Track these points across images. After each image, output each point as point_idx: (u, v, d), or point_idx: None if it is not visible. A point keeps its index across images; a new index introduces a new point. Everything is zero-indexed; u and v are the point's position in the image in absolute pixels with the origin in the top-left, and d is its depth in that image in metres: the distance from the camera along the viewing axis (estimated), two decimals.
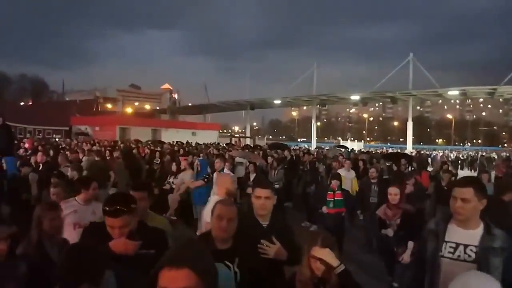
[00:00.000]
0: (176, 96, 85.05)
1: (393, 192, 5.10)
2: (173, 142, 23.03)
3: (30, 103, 70.02)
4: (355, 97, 49.55)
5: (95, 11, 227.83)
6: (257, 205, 3.03)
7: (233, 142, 28.93)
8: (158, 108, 76.04)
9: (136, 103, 78.36)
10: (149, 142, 22.78)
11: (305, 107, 74.08)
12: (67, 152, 10.76)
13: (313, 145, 46.00)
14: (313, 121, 54.89)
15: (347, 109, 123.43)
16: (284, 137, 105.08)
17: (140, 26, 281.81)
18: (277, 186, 10.86)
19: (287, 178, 11.22)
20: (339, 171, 8.99)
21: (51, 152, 11.20)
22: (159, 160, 11.40)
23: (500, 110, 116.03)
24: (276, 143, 22.34)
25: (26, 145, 15.19)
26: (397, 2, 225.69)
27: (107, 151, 11.40)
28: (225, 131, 63.60)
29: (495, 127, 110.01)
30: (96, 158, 9.60)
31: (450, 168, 11.62)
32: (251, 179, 9.26)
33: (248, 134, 54.17)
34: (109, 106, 71.38)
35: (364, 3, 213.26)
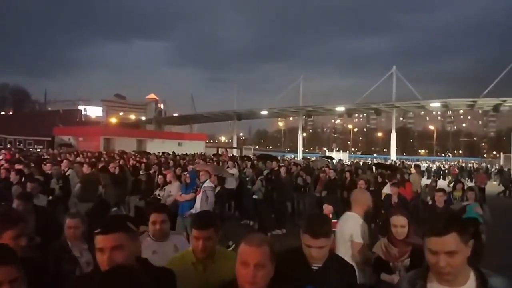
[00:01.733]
0: (162, 106, 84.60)
1: (400, 223, 3.48)
2: (159, 153, 22.83)
3: (10, 113, 68.70)
4: (340, 109, 50.12)
5: (80, 21, 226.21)
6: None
7: (220, 153, 28.87)
8: (143, 118, 75.42)
9: (121, 113, 77.62)
10: (134, 153, 22.52)
11: (291, 118, 74.48)
12: (48, 164, 10.50)
13: (300, 156, 46.19)
14: (300, 132, 55.21)
15: (333, 120, 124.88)
16: (270, 147, 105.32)
17: (128, 36, 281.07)
18: (255, 197, 10.88)
19: (272, 189, 11.12)
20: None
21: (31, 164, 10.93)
22: (145, 172, 11.27)
23: (480, 122, 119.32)
24: (264, 154, 22.36)
25: (7, 156, 14.89)
26: (381, 16, 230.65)
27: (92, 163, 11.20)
28: (212, 141, 63.36)
29: (475, 138, 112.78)
30: (86, 170, 9.31)
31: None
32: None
33: (235, 145, 54.07)
34: (93, 116, 70.55)
35: (349, 17, 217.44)
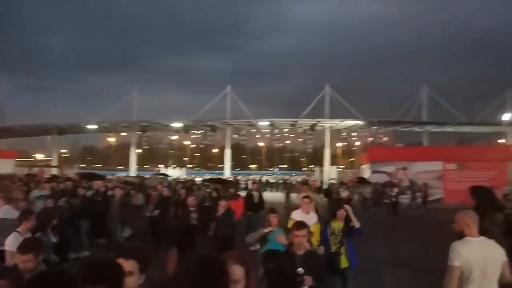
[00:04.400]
0: None
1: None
2: None
3: None
4: (177, 125, 50.14)
5: None
6: None
7: (33, 172, 24.66)
8: None
9: None
10: None
11: (124, 133, 70.61)
12: None
13: (132, 173, 43.80)
14: (132, 148, 52.55)
15: (169, 136, 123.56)
16: (100, 165, 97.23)
17: None
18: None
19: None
20: None
21: None
22: None
23: (301, 139, 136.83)
24: (88, 173, 19.90)
25: None
26: (223, 38, 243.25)
27: None
28: (25, 159, 54.31)
29: (296, 154, 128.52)
30: None
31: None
32: None
33: (55, 163, 47.79)
34: None
35: (188, 35, 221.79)
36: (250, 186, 16.62)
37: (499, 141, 50.74)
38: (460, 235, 3.50)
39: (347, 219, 5.55)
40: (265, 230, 5.67)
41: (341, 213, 5.55)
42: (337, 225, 5.56)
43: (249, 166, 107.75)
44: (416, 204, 21.16)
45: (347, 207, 5.62)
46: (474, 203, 6.59)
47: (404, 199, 22.59)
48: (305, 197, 6.61)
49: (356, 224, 5.52)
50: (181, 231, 7.39)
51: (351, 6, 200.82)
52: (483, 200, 6.71)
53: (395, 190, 19.56)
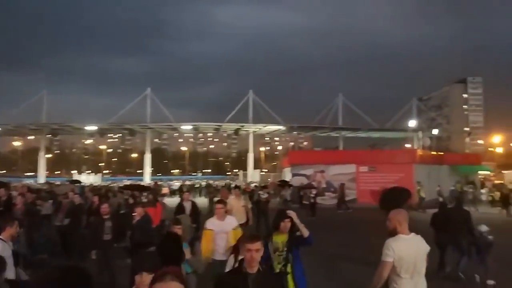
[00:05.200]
0: None
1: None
2: None
3: None
4: (92, 128, 47.39)
5: None
6: None
7: None
8: None
9: None
10: None
11: (32, 137, 64.67)
12: None
13: (41, 180, 40.20)
14: (41, 153, 48.29)
15: (83, 140, 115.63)
16: (3, 171, 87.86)
17: None
18: None
19: None
20: None
21: None
22: None
23: (225, 143, 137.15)
24: None
25: None
26: (143, 39, 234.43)
27: None
28: None
29: (221, 158, 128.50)
30: None
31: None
32: None
33: None
34: None
35: (109, 34, 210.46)
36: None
37: (406, 145, 55.76)
38: (393, 233, 3.70)
39: (292, 229, 4.52)
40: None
41: (285, 224, 4.46)
42: (280, 239, 4.48)
43: (171, 171, 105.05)
44: (344, 205, 22.22)
45: (291, 214, 4.53)
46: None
47: (328, 200, 23.79)
48: (218, 202, 6.20)
49: (305, 232, 4.45)
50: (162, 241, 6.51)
51: (275, 15, 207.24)
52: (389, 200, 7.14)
53: (314, 192, 20.49)
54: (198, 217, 9.50)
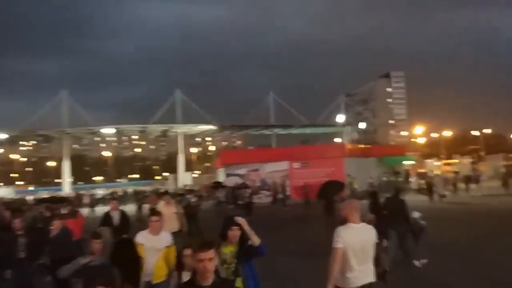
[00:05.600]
0: None
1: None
2: None
3: None
4: (1, 136, 43.23)
5: None
6: None
7: None
8: None
9: None
10: None
11: None
12: None
13: None
14: None
15: None
16: None
17: None
18: None
19: None
20: None
21: None
22: None
23: (153, 146, 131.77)
24: None
25: None
26: (56, 38, 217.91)
27: None
28: None
29: (149, 162, 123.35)
30: None
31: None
32: None
33: None
34: None
35: (21, 33, 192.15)
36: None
37: (336, 139, 57.86)
38: (344, 221, 4.02)
39: (242, 238, 4.11)
40: (84, 261, 4.23)
41: (233, 232, 4.06)
42: (229, 249, 4.06)
43: (93, 178, 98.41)
44: (283, 202, 22.27)
45: (240, 220, 4.11)
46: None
47: (264, 198, 23.69)
48: (153, 213, 5.37)
49: (256, 240, 4.04)
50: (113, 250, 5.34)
51: (202, 11, 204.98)
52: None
53: (248, 191, 20.19)
54: (128, 228, 8.55)
